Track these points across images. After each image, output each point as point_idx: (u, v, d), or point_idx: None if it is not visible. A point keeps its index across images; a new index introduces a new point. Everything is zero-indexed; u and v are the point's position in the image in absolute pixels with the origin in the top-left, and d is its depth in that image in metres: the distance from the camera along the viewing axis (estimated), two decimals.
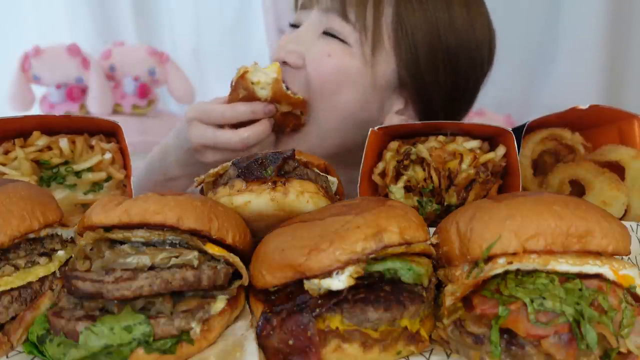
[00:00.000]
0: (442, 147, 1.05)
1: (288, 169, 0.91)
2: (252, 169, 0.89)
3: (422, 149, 1.04)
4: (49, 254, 0.85)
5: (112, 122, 1.05)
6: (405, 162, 1.06)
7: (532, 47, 3.21)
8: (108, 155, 1.07)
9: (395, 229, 0.74)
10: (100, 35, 3.42)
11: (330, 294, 0.72)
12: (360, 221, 0.74)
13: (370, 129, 1.03)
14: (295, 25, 1.41)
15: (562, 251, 0.72)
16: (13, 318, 0.77)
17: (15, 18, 3.30)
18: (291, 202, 0.89)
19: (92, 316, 0.71)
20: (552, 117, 1.15)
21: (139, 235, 0.77)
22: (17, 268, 0.79)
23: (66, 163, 1.06)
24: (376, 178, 1.08)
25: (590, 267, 0.72)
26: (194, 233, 0.78)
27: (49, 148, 1.05)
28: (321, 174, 0.97)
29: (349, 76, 1.31)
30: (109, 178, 1.08)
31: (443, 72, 1.35)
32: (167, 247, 0.77)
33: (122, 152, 1.09)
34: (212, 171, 0.97)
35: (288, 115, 1.32)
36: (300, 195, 0.89)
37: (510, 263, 0.72)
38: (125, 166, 1.09)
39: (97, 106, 2.89)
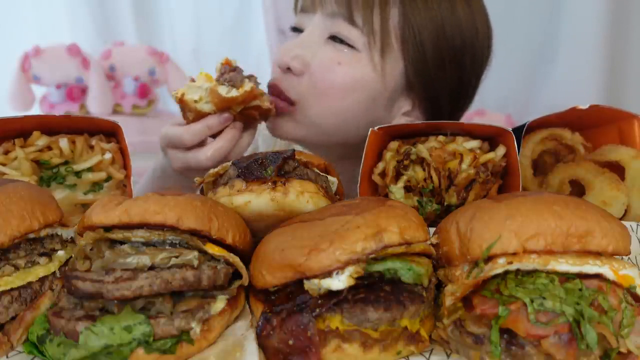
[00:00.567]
0: (442, 147, 1.05)
1: (288, 169, 0.91)
2: (252, 169, 0.89)
3: (422, 149, 1.04)
4: (49, 254, 0.85)
5: (112, 122, 1.05)
6: (405, 162, 1.06)
7: (533, 47, 3.21)
8: (108, 155, 1.07)
9: (395, 229, 0.74)
10: (100, 35, 3.43)
11: (330, 294, 0.72)
12: (360, 221, 0.74)
13: (370, 129, 1.03)
14: (297, 29, 1.39)
15: (562, 251, 0.72)
16: (13, 318, 0.77)
17: (15, 18, 3.30)
18: (291, 202, 0.89)
19: (92, 316, 0.71)
20: (552, 117, 1.15)
21: (139, 235, 0.77)
22: (17, 268, 0.79)
23: (66, 163, 1.06)
24: (376, 178, 1.08)
25: (590, 267, 0.72)
26: (194, 233, 0.78)
27: (49, 148, 1.05)
28: (321, 174, 0.97)
29: (359, 83, 1.30)
30: (109, 178, 1.08)
31: (449, 68, 1.35)
32: (167, 247, 0.77)
33: (122, 152, 1.09)
34: (212, 171, 0.97)
35: (248, 110, 1.23)
36: (300, 195, 0.89)
37: (510, 263, 0.72)
38: (125, 166, 1.09)
39: (97, 106, 2.90)
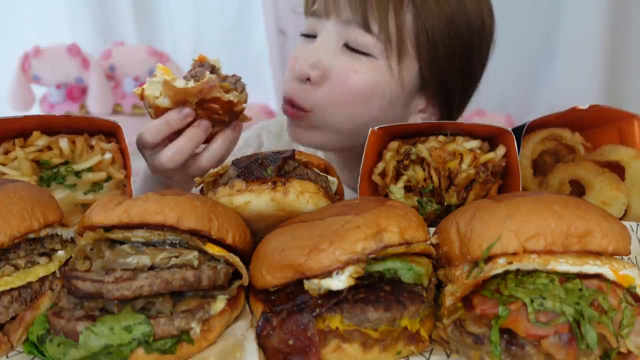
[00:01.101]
0: (442, 147, 1.05)
1: (288, 169, 0.91)
2: (252, 169, 0.89)
3: (422, 149, 1.04)
4: (49, 254, 0.85)
5: (112, 122, 1.05)
6: (405, 162, 1.06)
7: (532, 47, 3.21)
8: (108, 155, 1.07)
9: (395, 229, 0.74)
10: (100, 35, 3.43)
11: (330, 294, 0.72)
12: (360, 221, 0.74)
13: (370, 129, 1.03)
14: (308, 35, 1.37)
15: (562, 251, 0.72)
16: (13, 318, 0.77)
17: (15, 18, 3.30)
18: (291, 202, 0.89)
19: (92, 316, 0.71)
20: (552, 117, 1.15)
21: (139, 235, 0.77)
22: (17, 268, 0.79)
23: (66, 163, 1.06)
24: (376, 178, 1.08)
25: (590, 267, 0.72)
26: (194, 233, 0.78)
27: (49, 148, 1.05)
28: (321, 174, 0.97)
29: (377, 89, 1.30)
30: (109, 178, 1.08)
31: (459, 62, 1.35)
32: (167, 247, 0.77)
33: (122, 152, 1.09)
34: (212, 171, 0.97)
35: (207, 103, 1.14)
36: (300, 195, 0.89)
37: (510, 263, 0.72)
38: (125, 166, 1.09)
39: (97, 106, 2.90)
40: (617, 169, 1.10)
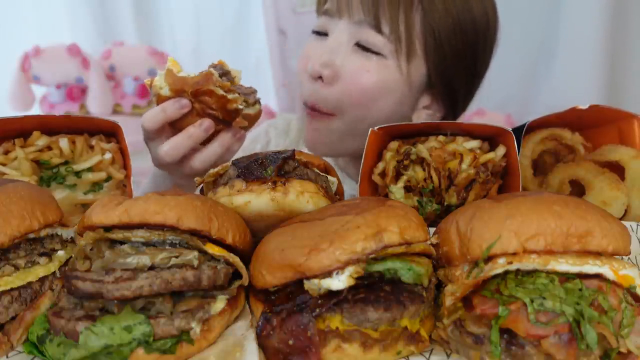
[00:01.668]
0: (442, 147, 1.05)
1: (288, 169, 0.91)
2: (252, 169, 0.89)
3: (422, 149, 1.04)
4: (49, 254, 0.85)
5: (112, 122, 1.05)
6: (405, 162, 1.06)
7: (532, 47, 3.21)
8: (108, 155, 1.07)
9: (395, 229, 0.74)
10: (100, 35, 3.43)
11: (330, 294, 0.72)
12: (360, 221, 0.74)
13: (370, 129, 1.03)
14: (320, 33, 1.40)
15: (562, 251, 0.72)
16: (13, 318, 0.77)
17: (15, 18, 3.30)
18: (291, 202, 0.89)
19: (92, 316, 0.71)
20: (552, 117, 1.15)
21: (139, 235, 0.77)
22: (17, 268, 0.79)
23: (66, 163, 1.06)
24: (376, 178, 1.08)
25: (590, 267, 0.72)
26: (194, 233, 0.78)
27: (49, 148, 1.05)
28: (321, 174, 0.97)
29: (388, 88, 1.34)
30: (109, 178, 1.08)
31: (464, 61, 1.38)
32: (167, 247, 0.77)
33: (122, 152, 1.09)
34: (212, 171, 0.97)
35: (201, 95, 1.14)
36: (300, 195, 0.89)
37: (510, 263, 0.72)
38: (125, 166, 1.09)
39: (97, 106, 2.90)
40: (617, 169, 1.10)
